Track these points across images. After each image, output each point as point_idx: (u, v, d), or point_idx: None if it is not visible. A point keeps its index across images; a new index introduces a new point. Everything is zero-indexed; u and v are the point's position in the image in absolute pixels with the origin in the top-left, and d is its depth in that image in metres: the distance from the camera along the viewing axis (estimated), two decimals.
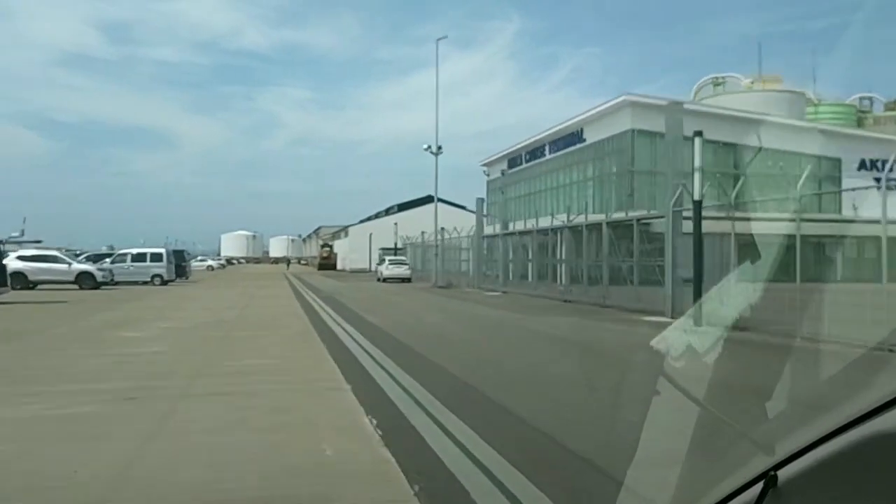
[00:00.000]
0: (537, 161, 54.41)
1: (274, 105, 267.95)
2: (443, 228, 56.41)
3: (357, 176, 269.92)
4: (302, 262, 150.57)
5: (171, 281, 40.17)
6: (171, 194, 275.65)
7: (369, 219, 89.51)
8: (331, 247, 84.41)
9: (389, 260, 46.02)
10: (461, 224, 53.63)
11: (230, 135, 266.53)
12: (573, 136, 48.82)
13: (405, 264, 45.40)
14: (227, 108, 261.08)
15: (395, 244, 64.42)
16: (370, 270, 76.92)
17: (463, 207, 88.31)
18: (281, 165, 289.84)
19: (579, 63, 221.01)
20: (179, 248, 47.75)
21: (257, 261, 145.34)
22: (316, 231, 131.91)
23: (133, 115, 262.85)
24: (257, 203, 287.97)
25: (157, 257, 38.71)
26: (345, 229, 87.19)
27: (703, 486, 1.49)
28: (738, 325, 11.08)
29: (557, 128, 50.93)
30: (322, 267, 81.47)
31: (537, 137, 54.06)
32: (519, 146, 58.10)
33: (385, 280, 44.18)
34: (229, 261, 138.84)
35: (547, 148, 52.71)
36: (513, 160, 59.89)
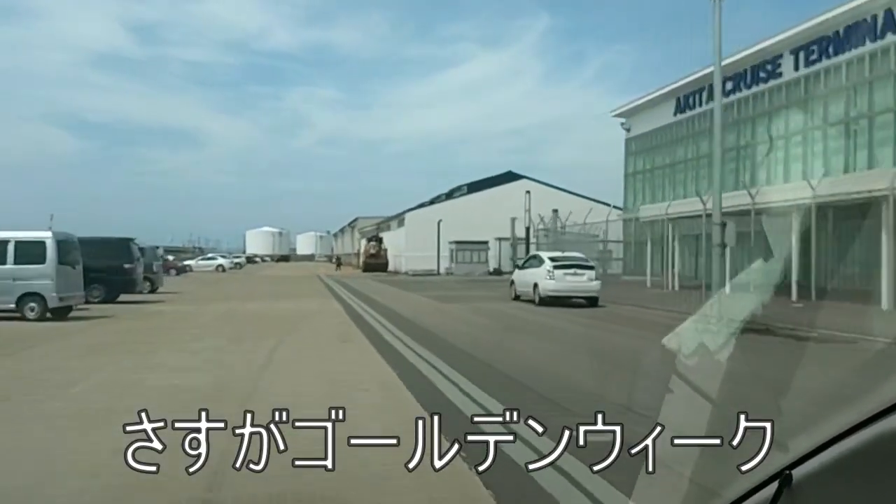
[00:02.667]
0: (760, 88, 30.67)
1: (302, 104, 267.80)
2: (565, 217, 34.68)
3: (384, 175, 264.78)
4: (333, 260, 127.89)
5: (77, 306, 17.17)
6: (199, 193, 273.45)
7: (423, 205, 65.81)
8: (380, 241, 61.25)
9: (554, 262, 20.81)
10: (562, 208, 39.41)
11: (258, 134, 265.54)
12: (853, 32, 25.09)
13: (589, 268, 20.96)
14: (256, 108, 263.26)
15: (528, 230, 40.74)
16: (439, 273, 53.55)
17: (555, 187, 64.86)
18: (308, 164, 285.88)
19: (609, 60, 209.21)
20: (126, 236, 24.55)
21: (286, 259, 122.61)
22: (351, 223, 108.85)
23: (163, 115, 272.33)
24: (285, 201, 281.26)
25: (31, 254, 15.68)
26: (398, 217, 63.93)
27: (718, 485, 1.45)
28: None
29: (805, 25, 27.23)
30: (369, 268, 58.37)
31: (760, 47, 30.27)
32: (702, 73, 34.40)
33: (542, 301, 20.31)
34: (251, 259, 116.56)
35: (785, 63, 29.02)
36: (689, 98, 36.17)
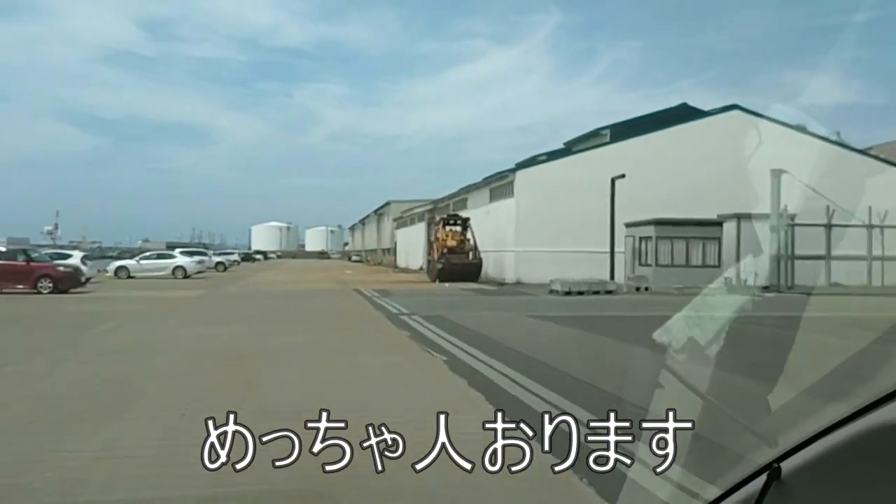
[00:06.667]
0: None
1: (312, 101, 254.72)
2: None
3: (393, 171, 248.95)
4: (353, 258, 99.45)
5: None
6: (209, 189, 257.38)
7: (521, 165, 35.79)
8: (465, 224, 32.43)
9: None
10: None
11: (268, 130, 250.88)
12: None
13: None
14: (266, 105, 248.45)
15: None
16: (614, 288, 24.73)
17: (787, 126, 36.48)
18: (317, 160, 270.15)
19: (619, 57, 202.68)
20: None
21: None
22: (379, 210, 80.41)
23: (174, 112, 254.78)
24: (293, 197, 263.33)
25: None
26: (493, 183, 34.81)
27: (707, 478, 1.47)
28: None
29: None
30: (447, 274, 29.86)
31: None
32: None
33: None
34: (250, 256, 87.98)
35: None
36: None
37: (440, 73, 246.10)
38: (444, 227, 32.49)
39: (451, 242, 31.45)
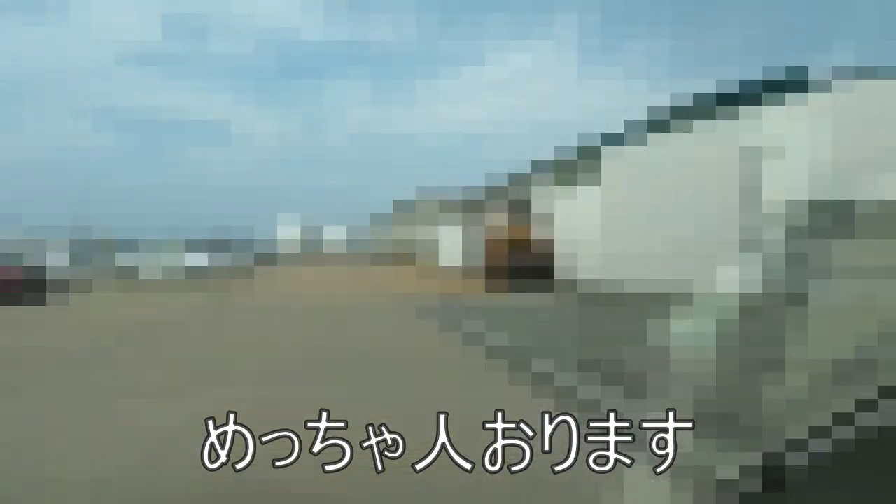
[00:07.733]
0: None
1: (332, 101, 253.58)
2: None
3: (415, 168, 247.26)
4: (380, 256, 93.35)
5: None
6: (233, 185, 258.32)
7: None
8: (532, 215, 26.03)
9: None
10: None
11: (291, 128, 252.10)
12: None
13: None
14: (289, 104, 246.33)
15: None
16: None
17: None
18: (340, 159, 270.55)
19: (643, 54, 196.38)
20: None
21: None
22: (407, 205, 74.09)
23: (196, 110, 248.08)
24: (316, 195, 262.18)
25: None
26: (568, 163, 28.27)
27: (707, 478, 1.40)
28: None
29: None
30: (512, 277, 23.46)
31: None
32: None
33: None
34: (269, 255, 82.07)
35: None
36: None
37: (460, 72, 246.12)
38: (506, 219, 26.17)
39: (515, 238, 25.15)
